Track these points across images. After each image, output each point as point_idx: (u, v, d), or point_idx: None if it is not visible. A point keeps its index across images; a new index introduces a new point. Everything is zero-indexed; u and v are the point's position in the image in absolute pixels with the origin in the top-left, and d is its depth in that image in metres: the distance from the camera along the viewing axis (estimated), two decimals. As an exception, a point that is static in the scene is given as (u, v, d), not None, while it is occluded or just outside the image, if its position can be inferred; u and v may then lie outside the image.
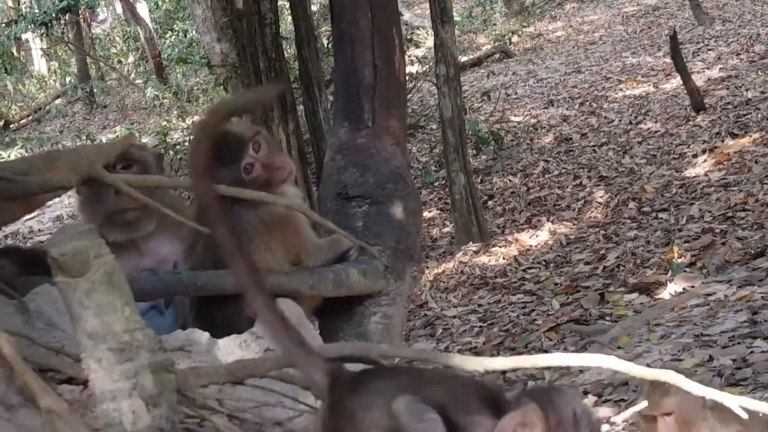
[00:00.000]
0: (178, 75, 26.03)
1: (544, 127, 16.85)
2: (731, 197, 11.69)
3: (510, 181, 14.96)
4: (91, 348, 2.59)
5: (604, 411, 7.66)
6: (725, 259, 10.19)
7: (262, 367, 3.01)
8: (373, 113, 5.05)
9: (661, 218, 12.00)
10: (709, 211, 11.57)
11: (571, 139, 15.97)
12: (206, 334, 3.77)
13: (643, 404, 4.25)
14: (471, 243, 12.93)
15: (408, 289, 4.88)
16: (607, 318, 10.03)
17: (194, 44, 23.44)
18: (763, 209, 11.09)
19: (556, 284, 11.18)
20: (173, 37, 26.16)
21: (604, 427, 7.09)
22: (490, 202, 14.50)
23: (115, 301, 2.63)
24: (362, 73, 5.12)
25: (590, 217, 12.86)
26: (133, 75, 28.94)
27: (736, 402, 2.95)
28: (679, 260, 10.51)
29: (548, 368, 8.88)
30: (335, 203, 4.93)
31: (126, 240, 4.55)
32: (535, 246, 12.60)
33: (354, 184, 4.92)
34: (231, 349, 3.76)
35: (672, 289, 10.02)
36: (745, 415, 3.00)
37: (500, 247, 12.73)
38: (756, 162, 12.56)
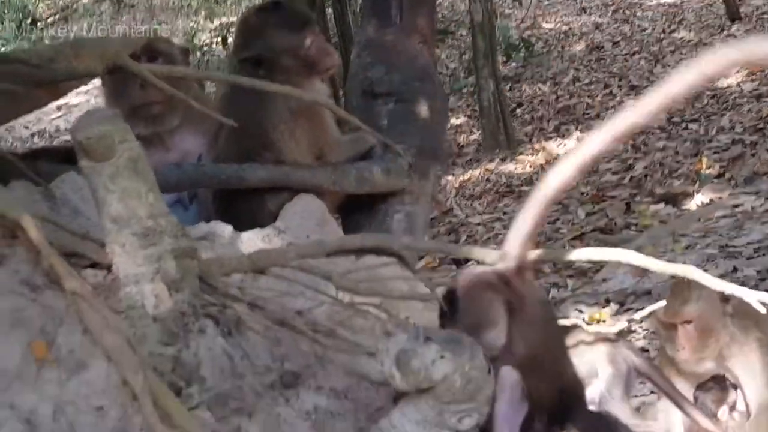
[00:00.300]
0: None
1: (576, 35, 16.63)
2: (763, 108, 11.55)
3: (539, 89, 14.83)
4: (115, 232, 2.61)
5: (624, 319, 7.70)
6: (754, 170, 10.11)
7: (284, 257, 3.02)
8: (401, 11, 4.98)
9: (691, 129, 11.88)
10: (740, 122, 11.44)
11: (603, 47, 15.76)
12: (229, 227, 3.78)
13: (661, 305, 4.23)
14: (498, 150, 12.87)
15: (432, 188, 4.87)
16: (633, 228, 10.00)
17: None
18: (794, 120, 10.98)
19: (582, 193, 11.12)
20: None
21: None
22: (518, 110, 14.39)
23: (140, 187, 2.64)
24: None
25: (619, 127, 12.74)
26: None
27: (754, 297, 2.97)
28: (708, 171, 10.43)
29: (571, 276, 8.92)
30: (361, 100, 4.89)
31: (151, 134, 4.53)
32: (563, 155, 12.49)
33: (380, 81, 4.88)
34: (254, 242, 3.77)
35: (699, 200, 9.96)
36: (763, 310, 3.02)
37: (527, 155, 12.67)
38: (789, 73, 12.39)
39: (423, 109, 4.79)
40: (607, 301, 8.17)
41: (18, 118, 4.36)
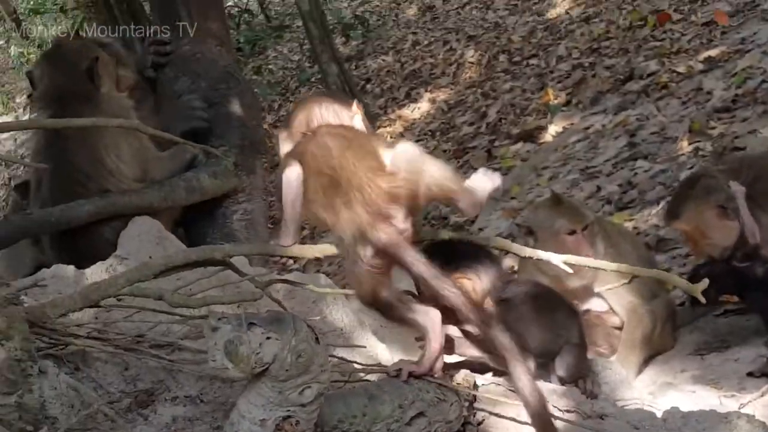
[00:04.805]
0: (39, 27, 25.25)
1: (406, 0, 16.79)
2: (594, 29, 11.82)
3: (383, 60, 14.94)
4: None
5: (507, 262, 7.84)
6: (598, 90, 10.37)
7: (114, 287, 3.05)
8: (191, 19, 5.03)
9: (533, 64, 12.11)
10: (576, 48, 11.70)
11: (434, 6, 15.93)
12: (71, 267, 3.80)
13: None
14: (356, 129, 12.95)
15: (262, 182, 4.95)
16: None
17: (48, -8, 22.73)
18: (625, 34, 11.26)
19: (445, 151, 11.27)
20: (26, -11, 25.28)
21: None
22: (368, 86, 14.48)
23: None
24: None
25: (466, 79, 12.94)
26: (-8, 37, 28.01)
27: (559, 259, 3.29)
28: (555, 101, 10.67)
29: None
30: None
31: None
32: (419, 118, 12.67)
33: (188, 92, 4.94)
34: (99, 275, 3.79)
35: (553, 130, 10.18)
36: (570, 270, 3.38)
37: (385, 126, 12.78)
38: (613, -10, 12.69)
39: (235, 108, 4.87)
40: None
41: None
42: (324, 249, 3.33)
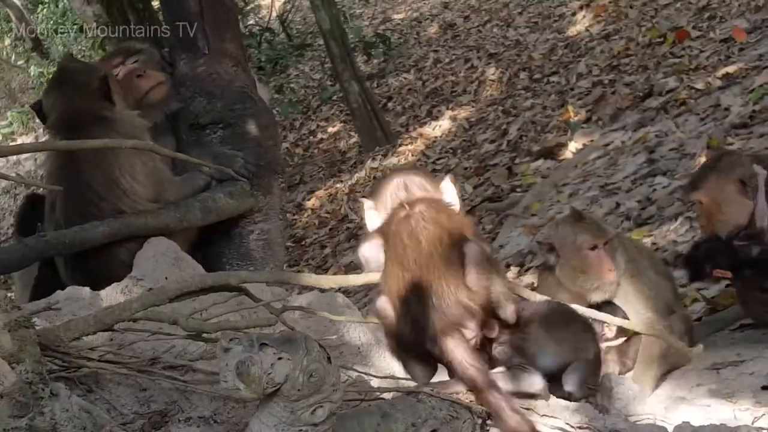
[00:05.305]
0: (59, 47, 25.46)
1: (427, 18, 16.85)
2: (613, 46, 11.84)
3: (405, 78, 15.00)
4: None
5: (528, 278, 7.84)
6: (617, 107, 10.38)
7: (129, 311, 3.08)
8: (207, 40, 5.06)
9: (553, 81, 12.14)
10: (596, 65, 11.73)
11: (455, 24, 16.00)
12: (86, 289, 3.82)
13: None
14: (378, 147, 13.00)
15: (278, 202, 4.97)
16: (519, 189, 10.18)
17: (67, 12, 22.91)
18: (644, 51, 11.28)
19: (466, 168, 11.30)
20: (45, 9, 25.51)
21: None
22: (389, 104, 14.54)
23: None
24: (187, 3, 5.12)
25: (487, 96, 12.97)
26: (13, 57, 28.24)
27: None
28: (576, 118, 10.68)
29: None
30: (191, 135, 4.97)
31: None
32: (440, 136, 12.70)
33: (203, 112, 4.97)
34: (114, 297, 3.82)
35: (573, 147, 10.19)
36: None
37: (406, 145, 12.82)
38: (631, 7, 12.68)
39: (251, 128, 4.89)
40: (508, 266, 8.32)
41: None
42: (338, 280, 3.39)
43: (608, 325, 4.47)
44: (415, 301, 3.35)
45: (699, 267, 4.86)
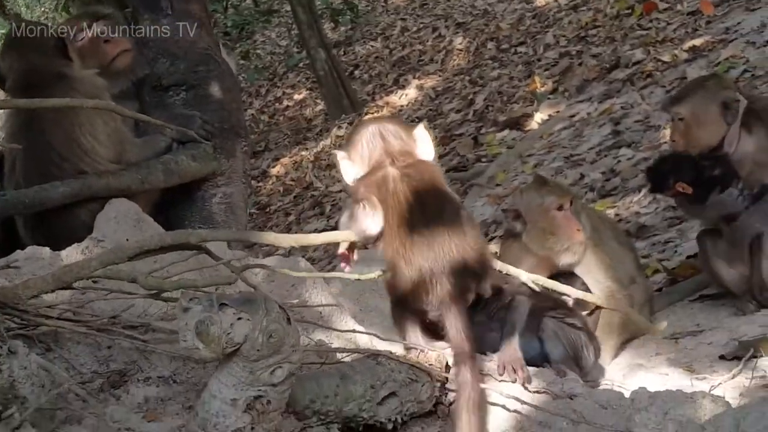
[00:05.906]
0: (22, 8, 25.16)
1: (395, -15, 16.79)
2: (581, 17, 11.83)
3: (372, 46, 14.94)
4: None
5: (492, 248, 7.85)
6: (584, 78, 10.39)
7: (87, 269, 3.05)
8: (171, 0, 5.01)
9: (520, 52, 12.13)
10: (563, 36, 11.72)
11: (423, -9, 15.96)
12: (46, 249, 3.79)
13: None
14: (344, 115, 12.97)
15: (242, 166, 4.94)
16: (484, 159, 10.18)
17: (32, -28, 22.67)
18: (612, 22, 11.28)
19: (432, 138, 11.26)
20: (9, -30, 25.18)
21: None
22: (356, 72, 14.49)
23: None
24: None
25: (454, 66, 12.95)
26: (-24, 19, 27.90)
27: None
28: (542, 89, 10.68)
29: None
30: (153, 97, 4.93)
31: None
32: (406, 105, 12.68)
33: (166, 74, 4.92)
34: (75, 257, 3.78)
35: (539, 118, 10.20)
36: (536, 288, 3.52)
37: (373, 113, 12.78)
38: (599, -22, 12.69)
39: (215, 91, 4.85)
40: (482, 236, 8.32)
41: None
42: (299, 239, 3.37)
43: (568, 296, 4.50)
44: (424, 260, 3.35)
45: (663, 179, 4.96)
